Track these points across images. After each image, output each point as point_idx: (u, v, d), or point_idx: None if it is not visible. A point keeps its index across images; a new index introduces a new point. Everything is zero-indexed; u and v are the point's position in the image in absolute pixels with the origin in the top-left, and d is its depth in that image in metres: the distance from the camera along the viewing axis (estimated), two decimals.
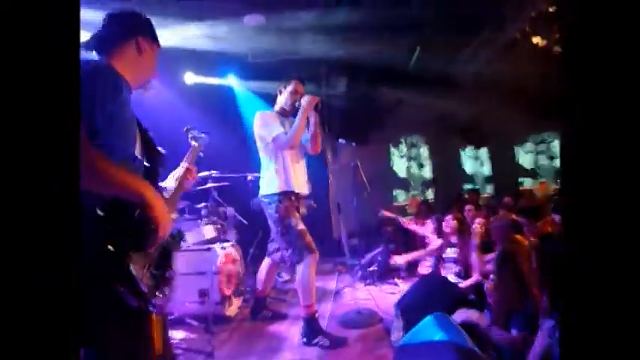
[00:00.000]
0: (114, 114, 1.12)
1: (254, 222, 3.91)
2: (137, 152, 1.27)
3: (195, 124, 1.90)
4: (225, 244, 3.35)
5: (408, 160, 7.37)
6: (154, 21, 1.40)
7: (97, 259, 1.03)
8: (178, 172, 1.63)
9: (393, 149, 7.28)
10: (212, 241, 3.67)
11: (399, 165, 7.29)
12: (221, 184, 3.93)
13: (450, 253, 3.65)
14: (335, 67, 5.66)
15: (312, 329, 2.64)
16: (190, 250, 3.26)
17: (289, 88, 2.90)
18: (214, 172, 4.11)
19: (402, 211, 6.75)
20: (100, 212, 1.06)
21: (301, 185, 2.87)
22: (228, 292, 3.24)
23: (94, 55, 1.23)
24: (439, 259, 3.86)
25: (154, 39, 1.38)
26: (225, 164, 4.32)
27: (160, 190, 1.42)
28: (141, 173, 1.27)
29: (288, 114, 2.92)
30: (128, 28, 1.31)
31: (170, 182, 1.62)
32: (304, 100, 2.78)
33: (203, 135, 1.88)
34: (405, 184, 7.27)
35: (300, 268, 2.69)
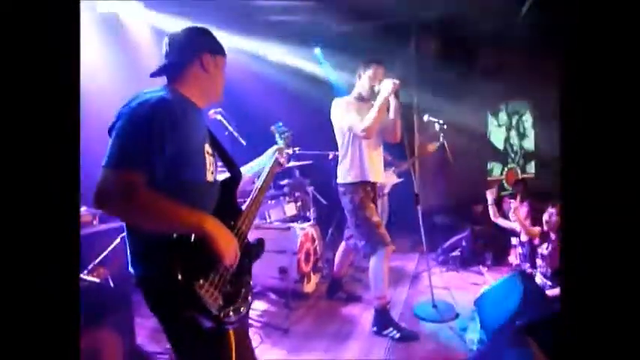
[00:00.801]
0: (177, 150, 1.16)
1: (334, 201, 3.98)
2: (209, 175, 1.32)
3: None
4: (305, 225, 3.48)
5: (508, 130, 6.62)
6: None
7: (169, 288, 1.14)
8: (264, 174, 1.64)
9: (491, 118, 6.59)
10: (293, 218, 3.85)
11: (497, 135, 6.59)
12: (303, 162, 4.02)
13: (543, 249, 3.28)
14: (425, 31, 5.19)
15: (383, 320, 2.66)
16: (272, 228, 3.47)
17: (368, 72, 2.75)
18: (297, 148, 4.21)
19: (499, 185, 6.23)
20: (166, 243, 1.14)
21: (377, 174, 2.79)
22: (306, 269, 3.41)
23: (152, 93, 1.21)
24: (532, 253, 3.51)
25: (217, 51, 1.37)
26: (308, 142, 4.40)
27: (237, 206, 1.45)
28: (214, 195, 1.35)
29: (367, 100, 2.79)
30: (188, 50, 1.31)
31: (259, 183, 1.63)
32: (383, 86, 2.63)
33: (288, 133, 1.89)
34: (502, 156, 6.60)
35: (373, 260, 2.68)
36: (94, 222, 2.17)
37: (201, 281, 1.17)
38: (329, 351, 2.51)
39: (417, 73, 5.29)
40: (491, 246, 4.12)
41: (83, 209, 2.18)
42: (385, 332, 2.62)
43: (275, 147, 1.81)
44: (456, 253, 4.02)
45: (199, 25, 1.40)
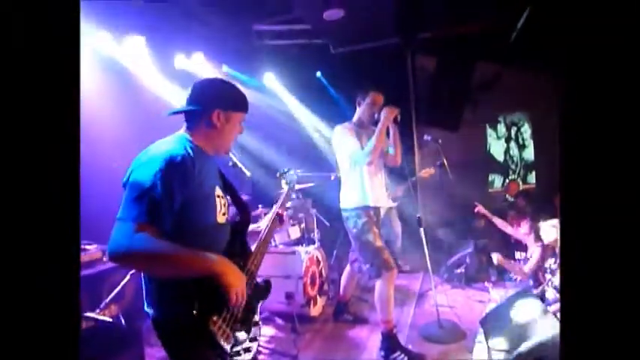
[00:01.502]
0: (187, 198, 1.23)
1: (337, 222, 4.03)
2: (220, 216, 1.37)
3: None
4: (309, 248, 3.52)
5: (507, 141, 6.69)
6: None
7: (185, 325, 1.21)
8: (270, 216, 1.71)
9: (489, 130, 6.67)
10: (297, 241, 3.89)
11: (497, 147, 6.66)
12: (306, 185, 4.07)
13: (552, 263, 3.31)
14: (421, 48, 5.29)
15: (390, 344, 2.68)
16: (278, 252, 3.51)
17: (367, 99, 2.83)
18: (299, 170, 4.27)
19: (500, 197, 6.26)
20: (182, 283, 1.21)
21: (380, 199, 2.84)
22: (312, 292, 3.44)
23: (164, 147, 1.27)
24: (538, 269, 3.54)
25: (231, 107, 1.40)
26: (309, 163, 4.47)
27: (247, 246, 1.52)
28: (225, 236, 1.41)
29: (367, 126, 2.86)
30: (203, 103, 1.38)
31: (264, 223, 1.73)
32: (383, 113, 2.70)
33: (295, 175, 1.93)
34: (503, 167, 6.66)
35: (378, 284, 2.72)
36: (104, 259, 2.22)
37: (215, 318, 1.23)
38: None
39: (413, 90, 5.38)
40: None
41: (93, 247, 2.24)
42: (393, 356, 2.64)
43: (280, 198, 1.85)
44: (461, 270, 4.04)
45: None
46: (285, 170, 1.98)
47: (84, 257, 2.16)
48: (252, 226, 1.69)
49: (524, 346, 2.29)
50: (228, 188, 1.51)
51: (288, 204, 4.26)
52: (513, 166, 6.76)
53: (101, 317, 1.92)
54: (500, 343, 2.54)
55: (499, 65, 5.65)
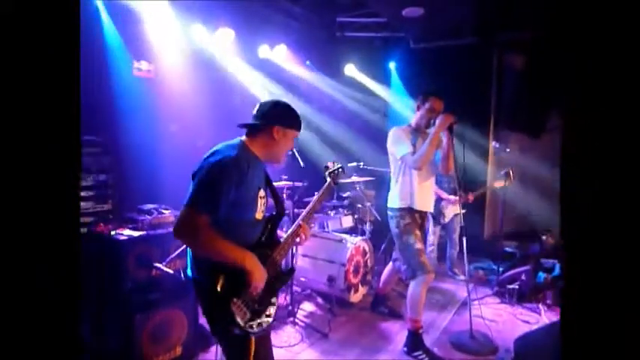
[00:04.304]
0: (237, 196, 1.52)
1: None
2: (259, 214, 1.65)
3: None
4: (357, 239, 3.71)
5: None
6: None
7: (211, 298, 1.52)
8: (302, 215, 1.87)
9: None
10: (350, 230, 4.10)
11: None
12: (365, 179, 4.23)
13: None
14: (507, 46, 4.96)
15: (414, 342, 2.80)
16: (326, 237, 3.77)
17: (427, 104, 2.87)
18: (361, 163, 4.45)
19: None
20: (217, 265, 1.50)
21: (426, 204, 2.90)
22: (354, 280, 3.65)
23: (228, 149, 1.55)
24: None
25: (289, 125, 1.66)
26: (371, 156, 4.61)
27: (277, 238, 1.77)
28: (260, 229, 1.68)
29: (424, 131, 2.91)
30: (266, 119, 1.64)
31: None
32: (438, 120, 2.73)
33: (340, 170, 2.04)
34: None
35: (411, 285, 2.83)
36: None
37: (235, 299, 1.53)
38: None
39: (496, 93, 5.10)
40: (554, 284, 3.90)
41: (168, 211, 2.74)
42: (415, 354, 2.76)
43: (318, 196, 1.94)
44: (514, 285, 3.89)
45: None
46: (332, 163, 2.01)
47: (160, 219, 2.66)
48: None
49: None
50: (271, 189, 1.78)
51: (347, 193, 4.48)
52: None
53: (166, 269, 2.38)
54: None
55: None
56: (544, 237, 4.57)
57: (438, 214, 4.28)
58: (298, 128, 1.71)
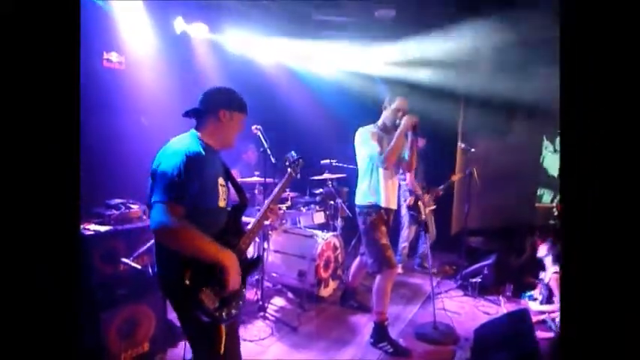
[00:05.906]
0: (199, 185, 1.54)
1: None
2: (221, 201, 1.68)
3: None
4: (328, 234, 3.79)
5: None
6: None
7: (180, 290, 1.54)
8: (264, 205, 1.92)
9: (546, 142, 6.34)
10: (321, 226, 4.17)
11: (552, 161, 6.32)
12: (336, 175, 4.30)
13: None
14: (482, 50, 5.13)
15: (380, 334, 2.91)
16: (297, 233, 3.83)
17: (393, 105, 2.97)
18: (334, 161, 4.52)
19: (547, 213, 6.01)
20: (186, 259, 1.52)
21: (391, 201, 3.01)
22: (324, 275, 3.73)
23: (182, 143, 1.59)
24: (551, 293, 3.52)
25: (234, 108, 1.70)
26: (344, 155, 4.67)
27: (242, 227, 1.80)
28: (224, 217, 1.71)
29: (390, 130, 3.01)
30: (210, 105, 1.68)
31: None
32: (403, 120, 2.84)
33: (300, 160, 2.06)
34: (554, 183, 6.33)
35: (377, 279, 2.93)
36: (144, 217, 2.69)
37: (204, 288, 1.55)
38: (328, 352, 2.82)
39: (465, 95, 5.27)
40: (514, 277, 4.12)
41: (136, 206, 2.73)
42: (380, 345, 2.87)
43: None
44: (477, 279, 4.07)
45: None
46: (292, 154, 2.04)
47: (129, 213, 2.65)
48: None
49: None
50: (230, 178, 1.82)
51: (319, 190, 4.54)
52: None
53: (133, 264, 2.39)
54: (481, 352, 2.66)
55: None
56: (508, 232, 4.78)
57: (416, 212, 4.39)
58: (243, 110, 1.73)
